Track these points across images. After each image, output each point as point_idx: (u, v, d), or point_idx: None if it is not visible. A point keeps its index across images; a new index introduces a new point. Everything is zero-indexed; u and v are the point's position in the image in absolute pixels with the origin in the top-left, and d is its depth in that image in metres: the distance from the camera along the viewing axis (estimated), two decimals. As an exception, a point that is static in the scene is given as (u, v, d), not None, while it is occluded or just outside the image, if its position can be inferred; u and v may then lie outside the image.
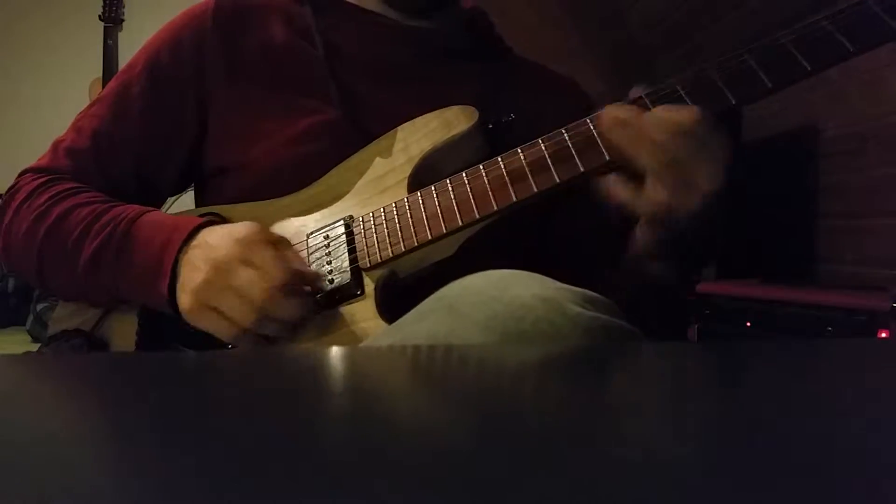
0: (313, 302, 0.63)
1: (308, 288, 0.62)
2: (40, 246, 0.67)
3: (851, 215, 1.69)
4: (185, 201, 0.86)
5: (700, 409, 0.26)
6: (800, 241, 1.84)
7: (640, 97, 0.59)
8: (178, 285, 0.61)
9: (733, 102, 0.57)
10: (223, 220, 0.69)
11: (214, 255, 0.59)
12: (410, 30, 0.77)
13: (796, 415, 0.24)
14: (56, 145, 0.76)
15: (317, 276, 0.62)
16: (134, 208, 0.67)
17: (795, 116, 1.84)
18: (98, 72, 2.53)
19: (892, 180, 1.56)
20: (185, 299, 0.60)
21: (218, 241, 0.60)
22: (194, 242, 0.61)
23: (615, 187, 0.58)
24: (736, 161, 0.56)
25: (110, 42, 2.54)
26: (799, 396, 0.27)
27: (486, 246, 0.62)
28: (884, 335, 1.24)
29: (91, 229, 0.65)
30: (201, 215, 0.68)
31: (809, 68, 0.55)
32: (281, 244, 0.61)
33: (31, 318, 2.05)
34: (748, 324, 1.57)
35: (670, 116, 0.56)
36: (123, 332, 0.69)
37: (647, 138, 0.55)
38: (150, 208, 0.68)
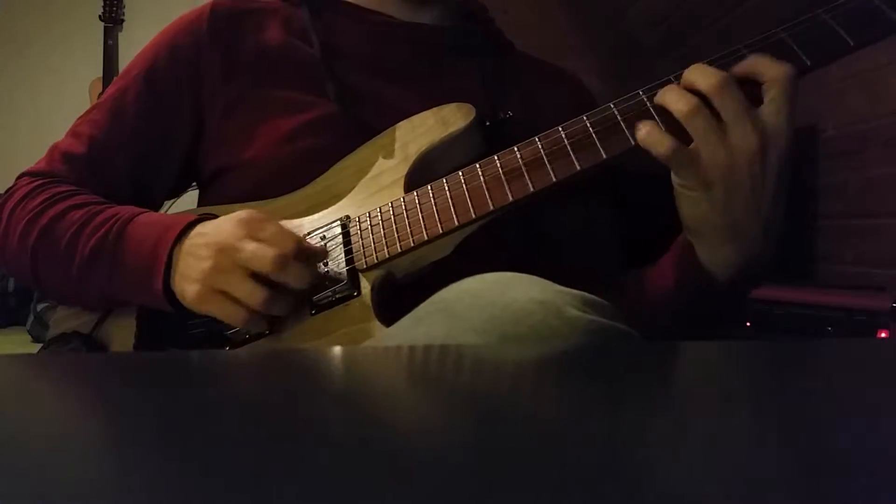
0: (308, 302, 0.63)
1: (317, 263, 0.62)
2: (34, 247, 0.67)
3: (851, 215, 1.68)
4: (184, 202, 0.86)
5: (699, 410, 0.26)
6: (800, 240, 1.83)
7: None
8: (179, 276, 0.61)
9: None
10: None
11: (218, 239, 0.59)
12: (408, 26, 0.78)
13: (797, 415, 0.24)
14: (53, 150, 0.76)
15: (323, 252, 0.62)
16: (128, 209, 0.68)
17: (797, 116, 1.83)
18: (98, 72, 2.53)
19: (893, 180, 1.55)
20: (190, 288, 0.60)
21: (219, 226, 0.60)
22: (191, 234, 0.62)
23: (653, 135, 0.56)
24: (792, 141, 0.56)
25: (110, 42, 2.53)
26: (799, 397, 0.27)
27: (483, 245, 0.62)
28: (884, 335, 1.24)
29: (85, 230, 0.66)
30: (198, 216, 0.68)
31: (808, 63, 0.56)
32: (279, 221, 0.62)
33: (31, 318, 2.05)
34: (748, 324, 1.57)
35: (695, 79, 0.55)
36: (121, 336, 0.69)
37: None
38: (145, 209, 0.68)
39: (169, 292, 0.62)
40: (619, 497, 0.16)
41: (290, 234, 0.59)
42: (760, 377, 0.33)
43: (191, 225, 0.63)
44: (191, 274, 0.60)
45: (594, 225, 0.80)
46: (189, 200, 0.84)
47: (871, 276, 1.58)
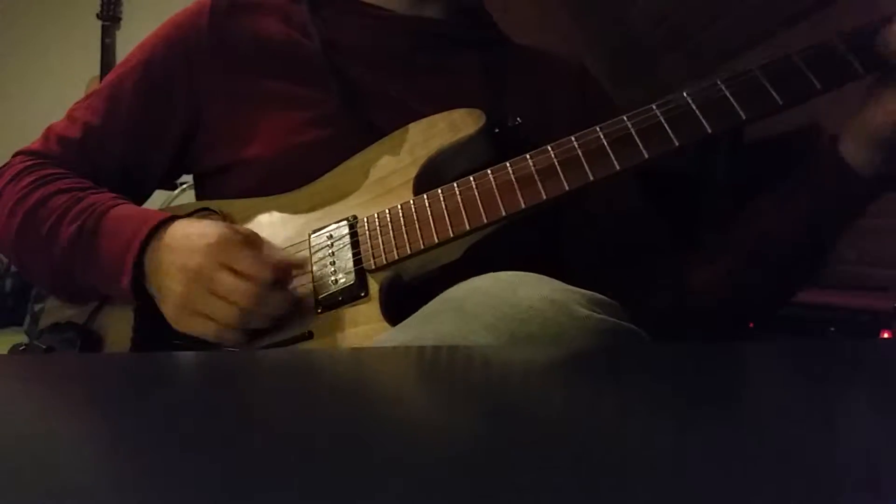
0: (315, 301, 0.62)
1: (295, 273, 0.63)
2: (18, 230, 0.68)
3: (854, 215, 1.68)
4: (181, 201, 0.86)
5: (703, 410, 0.26)
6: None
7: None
8: (160, 297, 0.62)
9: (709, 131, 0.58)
10: (217, 214, 0.69)
11: (191, 265, 0.59)
12: (408, 20, 0.78)
13: (799, 415, 0.24)
14: (49, 131, 0.77)
15: (302, 261, 0.63)
16: (107, 198, 0.68)
17: (798, 116, 1.83)
18: (96, 70, 2.52)
19: None
20: (168, 311, 0.61)
21: (190, 247, 0.60)
22: (165, 240, 0.61)
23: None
24: None
25: (108, 40, 2.52)
26: (802, 397, 0.27)
27: (492, 250, 0.62)
28: (886, 335, 1.24)
29: (65, 219, 0.66)
30: (197, 210, 0.68)
31: (781, 103, 0.60)
32: (255, 240, 0.61)
33: (28, 318, 2.04)
34: (751, 324, 1.56)
35: None
36: (118, 327, 0.68)
37: None
38: (124, 200, 0.68)
39: (139, 293, 0.63)
40: (623, 498, 0.16)
41: (265, 262, 0.59)
42: (762, 378, 0.33)
43: (162, 224, 0.63)
44: (168, 298, 0.61)
45: (610, 230, 0.79)
46: (185, 200, 0.84)
47: (875, 276, 1.58)
